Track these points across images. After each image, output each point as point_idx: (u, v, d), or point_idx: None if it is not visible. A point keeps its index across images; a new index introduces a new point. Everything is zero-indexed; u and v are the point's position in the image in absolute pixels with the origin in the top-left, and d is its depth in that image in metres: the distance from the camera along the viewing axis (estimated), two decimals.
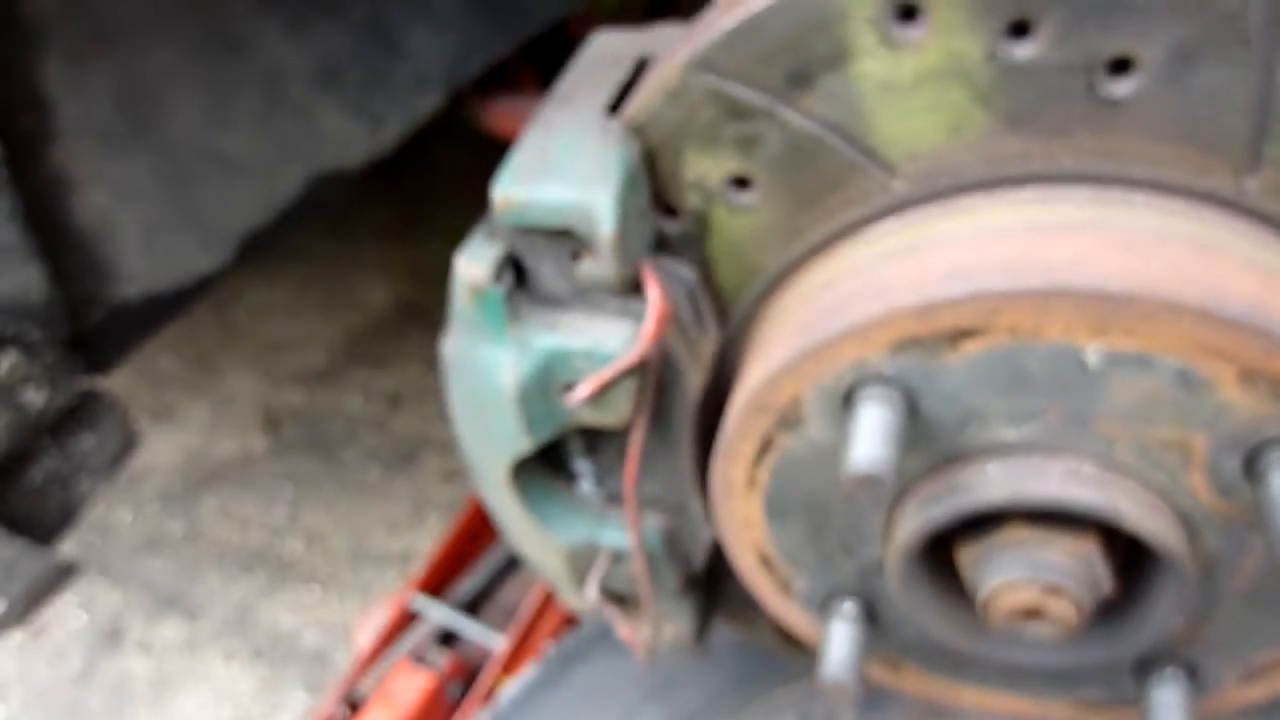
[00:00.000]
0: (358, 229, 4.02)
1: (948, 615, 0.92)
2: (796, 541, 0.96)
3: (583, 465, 1.08)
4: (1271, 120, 0.74)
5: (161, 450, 3.38)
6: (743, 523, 0.97)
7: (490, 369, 0.93)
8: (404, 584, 2.42)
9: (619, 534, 1.07)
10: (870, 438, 0.76)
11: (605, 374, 0.89)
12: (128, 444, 1.76)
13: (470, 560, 2.49)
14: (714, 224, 0.92)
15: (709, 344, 0.97)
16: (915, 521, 0.85)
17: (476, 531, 2.52)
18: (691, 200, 0.91)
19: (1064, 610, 0.82)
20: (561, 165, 0.84)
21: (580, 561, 1.09)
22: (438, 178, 4.07)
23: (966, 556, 0.89)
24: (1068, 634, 0.83)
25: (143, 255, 1.86)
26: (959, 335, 0.77)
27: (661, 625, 1.16)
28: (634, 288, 0.90)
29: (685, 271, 0.94)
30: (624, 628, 1.14)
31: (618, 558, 1.09)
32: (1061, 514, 0.83)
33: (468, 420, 0.99)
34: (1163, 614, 0.84)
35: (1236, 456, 0.76)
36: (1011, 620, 0.85)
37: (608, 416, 0.94)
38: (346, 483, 3.17)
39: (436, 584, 2.40)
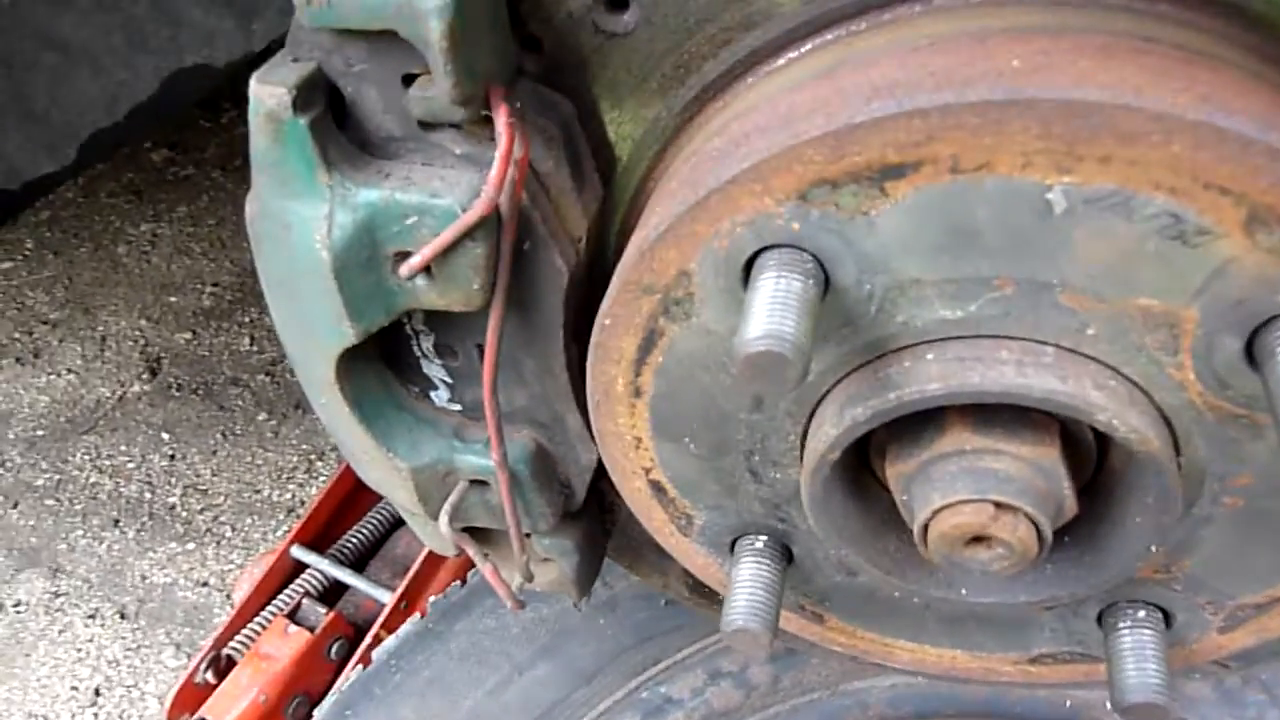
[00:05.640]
0: None
1: (875, 548, 0.75)
2: (694, 465, 0.78)
3: (436, 370, 0.87)
4: None
5: (28, 393, 3.08)
6: (628, 442, 0.78)
7: (299, 230, 0.72)
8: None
9: (480, 456, 0.88)
10: (770, 309, 0.59)
11: (445, 236, 0.70)
12: None
13: (360, 512, 2.27)
14: (586, 57, 0.73)
15: (589, 206, 0.77)
16: (833, 427, 0.68)
17: None
18: (558, 17, 0.71)
19: (1019, 534, 0.65)
20: None
21: (433, 488, 0.90)
22: None
23: (898, 472, 0.71)
24: (1024, 565, 0.66)
25: None
26: (884, 175, 0.59)
27: (536, 567, 0.97)
28: (483, 122, 0.70)
29: (562, 105, 0.74)
30: (488, 569, 0.94)
31: (479, 485, 0.90)
32: (1015, 414, 0.66)
33: (280, 302, 0.78)
34: (1137, 539, 0.68)
35: (1238, 336, 0.59)
36: (955, 550, 0.67)
37: (453, 297, 0.74)
38: (231, 430, 2.91)
39: (320, 537, 2.19)
